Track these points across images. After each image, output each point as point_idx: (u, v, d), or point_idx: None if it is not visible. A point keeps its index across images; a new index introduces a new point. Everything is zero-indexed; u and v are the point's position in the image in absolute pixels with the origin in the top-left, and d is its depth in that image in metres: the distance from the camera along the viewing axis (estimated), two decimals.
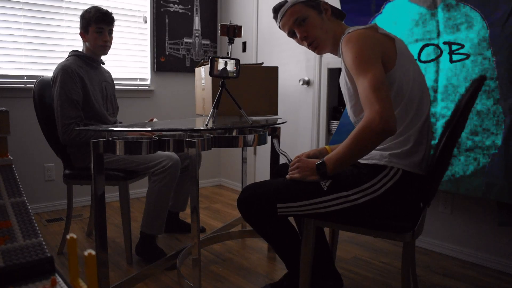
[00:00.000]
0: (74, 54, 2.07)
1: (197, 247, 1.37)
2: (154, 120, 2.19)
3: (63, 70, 1.93)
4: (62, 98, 1.91)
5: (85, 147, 1.95)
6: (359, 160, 1.31)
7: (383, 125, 1.12)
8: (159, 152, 1.95)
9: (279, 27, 1.47)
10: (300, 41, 1.44)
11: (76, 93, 1.93)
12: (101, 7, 2.07)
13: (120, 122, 2.30)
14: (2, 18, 2.61)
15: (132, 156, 1.95)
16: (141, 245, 2.00)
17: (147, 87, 3.26)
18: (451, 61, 1.89)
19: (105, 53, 2.11)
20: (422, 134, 1.28)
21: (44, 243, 0.55)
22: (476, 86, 1.28)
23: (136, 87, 3.20)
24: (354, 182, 1.26)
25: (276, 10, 1.44)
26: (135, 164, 1.96)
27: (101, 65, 2.19)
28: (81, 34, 2.05)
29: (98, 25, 2.01)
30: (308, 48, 1.44)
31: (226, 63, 1.54)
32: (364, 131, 1.15)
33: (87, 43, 2.05)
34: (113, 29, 2.12)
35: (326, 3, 1.41)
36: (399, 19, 2.08)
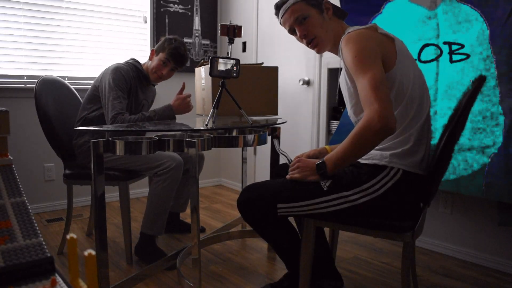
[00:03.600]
0: (134, 64, 2.09)
1: (197, 247, 1.37)
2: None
3: (118, 69, 1.96)
4: (115, 90, 1.91)
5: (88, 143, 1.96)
6: (359, 160, 1.31)
7: (382, 125, 1.12)
8: (163, 153, 1.95)
9: (280, 24, 1.47)
10: (300, 39, 1.44)
11: (124, 89, 1.95)
12: (184, 46, 2.08)
13: None
14: (2, 18, 2.60)
15: (135, 156, 1.95)
16: (141, 246, 2.00)
17: None
18: (451, 61, 1.89)
19: (156, 83, 2.16)
20: (422, 134, 1.28)
21: (44, 243, 0.55)
22: (476, 86, 1.28)
23: None
24: (354, 182, 1.26)
25: (278, 6, 1.44)
26: (137, 164, 1.96)
27: (153, 85, 2.22)
28: (152, 51, 2.09)
29: (167, 58, 2.03)
30: (308, 47, 1.44)
31: (226, 63, 1.54)
32: (364, 131, 1.15)
33: (150, 62, 2.09)
34: (179, 69, 2.13)
35: (328, 2, 1.41)
36: (399, 19, 2.08)
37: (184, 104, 2.02)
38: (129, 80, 1.99)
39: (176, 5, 3.33)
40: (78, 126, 1.94)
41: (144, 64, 2.12)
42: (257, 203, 1.33)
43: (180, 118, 2.08)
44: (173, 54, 2.03)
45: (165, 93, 3.36)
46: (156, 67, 2.06)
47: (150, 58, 2.09)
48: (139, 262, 2.00)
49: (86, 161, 1.99)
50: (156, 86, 3.29)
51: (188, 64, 3.43)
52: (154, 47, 3.20)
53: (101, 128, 1.42)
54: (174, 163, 1.93)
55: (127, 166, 1.97)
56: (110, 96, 1.91)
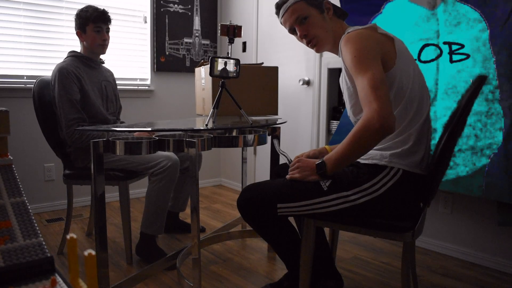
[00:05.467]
0: (72, 55, 2.07)
1: (197, 247, 1.37)
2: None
3: (60, 72, 1.94)
4: (63, 99, 1.91)
5: (84, 148, 1.96)
6: (359, 160, 1.31)
7: (382, 124, 1.12)
8: (159, 152, 1.95)
9: (281, 23, 1.47)
10: (300, 39, 1.44)
11: (75, 93, 1.94)
12: (97, 6, 2.07)
13: (122, 122, 2.30)
14: (2, 18, 2.60)
15: (131, 157, 1.95)
16: (141, 245, 2.00)
17: (147, 87, 3.26)
18: (451, 61, 1.89)
19: (104, 52, 2.11)
20: (422, 133, 1.28)
21: (44, 243, 0.55)
22: (476, 86, 1.28)
23: (136, 87, 3.20)
24: (354, 182, 1.26)
25: (278, 6, 1.44)
26: (134, 165, 1.96)
27: (102, 64, 2.19)
28: (78, 33, 2.05)
29: (96, 24, 2.01)
30: (308, 46, 1.44)
31: (226, 63, 1.54)
32: (363, 130, 1.15)
33: (84, 42, 2.05)
34: (110, 28, 2.11)
35: (329, 2, 1.42)
36: (399, 19, 2.08)
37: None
38: (75, 72, 1.97)
39: (176, 5, 3.33)
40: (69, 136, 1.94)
41: (80, 50, 2.10)
42: (257, 203, 1.33)
43: (179, 118, 2.08)
44: (97, 16, 2.01)
45: (165, 93, 3.36)
46: (94, 39, 2.02)
47: (82, 40, 2.05)
48: (139, 262, 2.00)
49: (83, 165, 1.99)
50: (157, 89, 3.31)
51: (188, 64, 3.43)
52: (154, 47, 3.23)
53: (100, 129, 1.42)
54: (170, 162, 1.93)
55: (124, 166, 1.97)
56: (65, 105, 1.91)
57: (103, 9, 2.05)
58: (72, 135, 1.91)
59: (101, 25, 2.02)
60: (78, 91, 1.96)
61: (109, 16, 2.07)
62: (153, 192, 1.93)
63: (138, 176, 2.04)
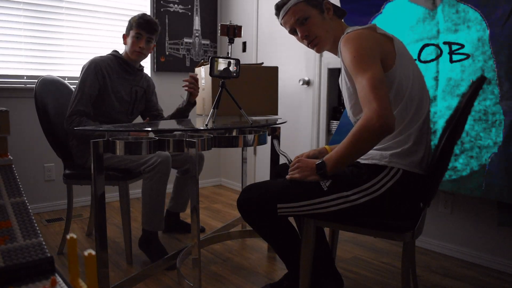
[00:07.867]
0: (113, 54, 2.11)
1: (197, 247, 1.37)
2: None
3: (90, 64, 1.99)
4: (80, 88, 1.95)
5: (86, 143, 1.97)
6: (359, 160, 1.31)
7: (381, 124, 1.12)
8: None
9: (281, 24, 1.47)
10: (301, 39, 1.44)
11: (93, 88, 1.97)
12: (148, 15, 2.09)
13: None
14: (2, 18, 2.60)
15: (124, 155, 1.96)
16: (144, 240, 2.01)
17: None
18: (451, 61, 1.89)
19: (139, 60, 2.13)
20: (422, 133, 1.28)
21: (44, 243, 0.55)
22: (476, 86, 1.28)
23: None
24: (354, 182, 1.26)
25: (278, 7, 1.44)
26: (126, 162, 1.97)
27: (140, 71, 2.20)
28: (123, 36, 2.10)
29: (137, 31, 2.04)
30: (308, 46, 1.44)
31: (226, 63, 1.54)
32: (363, 130, 1.15)
33: (126, 46, 2.09)
34: (154, 38, 2.11)
35: (329, 2, 1.42)
36: (399, 19, 2.08)
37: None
38: (103, 69, 1.99)
39: (176, 5, 3.33)
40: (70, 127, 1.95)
41: (123, 52, 2.13)
42: (257, 203, 1.33)
43: (179, 119, 2.08)
44: (141, 23, 2.03)
45: (165, 93, 3.35)
46: (132, 45, 2.05)
47: (125, 43, 2.09)
48: (139, 262, 2.00)
49: (83, 161, 2.00)
50: (157, 89, 3.29)
51: (188, 64, 3.43)
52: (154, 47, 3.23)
53: (100, 129, 1.42)
54: (159, 159, 1.93)
55: (117, 165, 1.98)
56: (78, 95, 1.95)
57: (150, 18, 2.07)
58: (70, 123, 1.93)
59: (142, 32, 2.04)
60: (97, 88, 1.99)
61: (153, 27, 2.07)
62: (147, 190, 1.95)
63: (138, 176, 2.04)
